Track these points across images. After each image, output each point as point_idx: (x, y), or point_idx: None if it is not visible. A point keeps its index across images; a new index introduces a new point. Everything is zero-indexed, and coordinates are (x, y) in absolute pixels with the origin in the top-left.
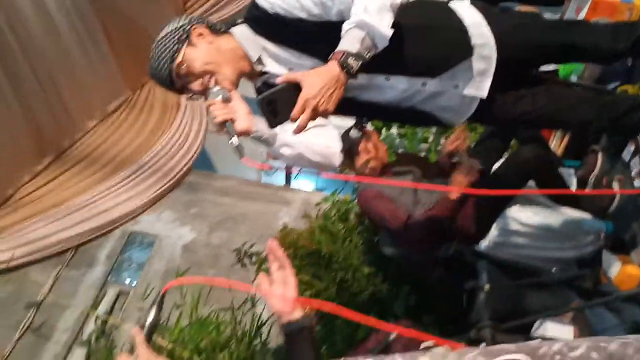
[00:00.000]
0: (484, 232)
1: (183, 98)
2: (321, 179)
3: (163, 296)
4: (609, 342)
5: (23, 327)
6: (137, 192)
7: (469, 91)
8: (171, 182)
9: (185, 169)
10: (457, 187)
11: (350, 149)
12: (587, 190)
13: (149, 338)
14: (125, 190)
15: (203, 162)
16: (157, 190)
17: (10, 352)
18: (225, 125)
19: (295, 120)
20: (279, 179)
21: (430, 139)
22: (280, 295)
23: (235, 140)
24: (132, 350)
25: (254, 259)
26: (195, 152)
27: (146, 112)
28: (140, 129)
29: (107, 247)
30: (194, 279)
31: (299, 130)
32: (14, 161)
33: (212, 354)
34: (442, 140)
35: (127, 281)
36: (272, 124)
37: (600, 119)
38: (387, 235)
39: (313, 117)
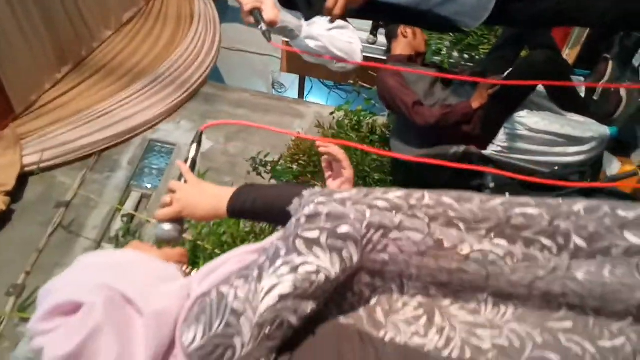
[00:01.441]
0: (491, 135)
1: (196, 9)
2: (333, 95)
3: (201, 134)
4: (627, 210)
5: (54, 224)
6: (155, 101)
7: None
8: (187, 92)
9: (200, 80)
10: (479, 97)
11: (389, 33)
12: (591, 83)
13: (192, 170)
14: (144, 99)
15: (216, 79)
16: (174, 100)
17: (44, 247)
18: (253, 14)
19: (330, 9)
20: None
21: (444, 51)
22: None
23: (263, 26)
24: (180, 178)
25: (268, 167)
26: (209, 64)
27: (161, 22)
28: (155, 40)
29: (129, 153)
30: (231, 121)
31: (334, 19)
32: (36, 69)
33: (233, 245)
34: (455, 53)
35: (149, 186)
36: (307, 15)
37: (619, 11)
38: (397, 126)
39: (344, 7)
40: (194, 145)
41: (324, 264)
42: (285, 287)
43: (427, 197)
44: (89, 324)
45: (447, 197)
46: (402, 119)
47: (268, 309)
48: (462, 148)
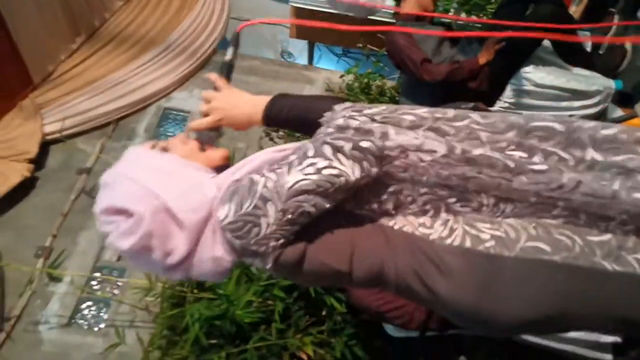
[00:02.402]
0: (499, 92)
1: None
2: (341, 62)
3: (238, 35)
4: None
5: (77, 190)
6: (167, 70)
7: None
8: (198, 61)
9: (210, 49)
10: (486, 53)
11: None
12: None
13: (228, 76)
14: (156, 68)
15: (226, 48)
16: (186, 68)
17: (68, 211)
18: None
19: None
20: (302, 59)
21: (452, 11)
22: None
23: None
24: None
25: (280, 132)
26: (219, 33)
27: None
28: (165, 9)
29: (145, 121)
30: (265, 20)
31: None
32: (51, 40)
33: None
34: (463, 14)
35: None
36: None
37: None
38: (406, 85)
39: None
40: (231, 49)
41: (345, 170)
42: (309, 184)
43: (452, 112)
44: (139, 231)
45: (472, 113)
46: (410, 78)
47: (292, 199)
48: (470, 105)
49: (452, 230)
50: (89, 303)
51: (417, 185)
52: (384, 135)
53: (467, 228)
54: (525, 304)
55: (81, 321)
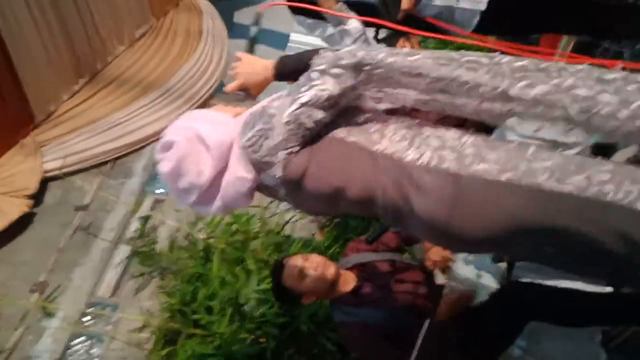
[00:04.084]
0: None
1: (204, 26)
2: None
3: (260, 15)
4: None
5: (74, 226)
6: (166, 112)
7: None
8: (196, 105)
9: (208, 93)
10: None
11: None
12: None
13: (251, 51)
14: (154, 111)
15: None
16: (183, 112)
17: (64, 247)
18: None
19: None
20: None
21: None
22: None
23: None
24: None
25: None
26: (217, 78)
27: (170, 38)
28: (165, 54)
29: (142, 161)
30: (288, 3)
31: None
32: (55, 80)
33: (245, 242)
34: None
35: (162, 191)
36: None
37: None
38: None
39: None
40: (253, 28)
41: (328, 86)
42: (303, 98)
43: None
44: (176, 155)
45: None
46: None
47: (291, 113)
48: None
49: (422, 152)
50: (82, 339)
51: (392, 95)
52: (361, 53)
53: (436, 149)
54: (486, 221)
55: (73, 358)
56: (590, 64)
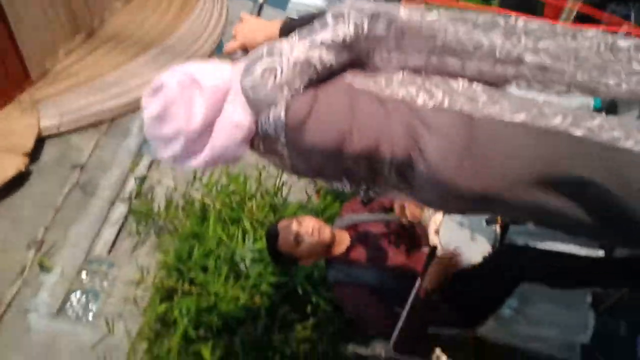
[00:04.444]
0: None
1: None
2: None
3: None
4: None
5: (71, 184)
6: (164, 71)
7: None
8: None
9: (208, 53)
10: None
11: None
12: None
13: (258, 14)
14: (152, 70)
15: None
16: None
17: (61, 205)
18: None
19: None
20: None
21: None
22: None
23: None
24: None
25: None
26: (217, 36)
27: None
28: (164, 12)
29: (139, 120)
30: None
31: None
32: (51, 37)
33: (241, 203)
34: None
35: None
36: None
37: None
38: None
39: None
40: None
41: (345, 28)
42: (317, 38)
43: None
44: (165, 98)
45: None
46: None
47: (303, 51)
48: None
49: (434, 95)
50: (78, 294)
51: (403, 54)
52: (380, 6)
53: (447, 92)
54: (499, 164)
55: (70, 311)
56: (600, 30)
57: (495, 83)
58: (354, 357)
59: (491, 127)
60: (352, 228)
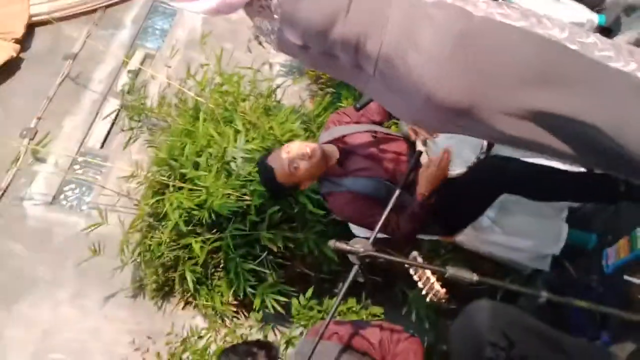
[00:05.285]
0: None
1: None
2: None
3: None
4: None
5: (63, 75)
6: None
7: None
8: None
9: None
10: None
11: None
12: None
13: None
14: None
15: None
16: None
17: (54, 95)
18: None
19: None
20: None
21: None
22: None
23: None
24: None
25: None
26: None
27: None
28: None
29: (133, 12)
30: None
31: None
32: None
33: (236, 105)
34: None
35: (153, 45)
36: None
37: None
38: None
39: None
40: None
41: None
42: None
43: None
44: None
45: None
46: None
47: None
48: None
49: None
50: (72, 186)
51: None
52: None
53: None
54: (489, 63)
55: (64, 201)
56: None
57: None
58: (335, 253)
59: (488, 26)
60: (339, 140)
